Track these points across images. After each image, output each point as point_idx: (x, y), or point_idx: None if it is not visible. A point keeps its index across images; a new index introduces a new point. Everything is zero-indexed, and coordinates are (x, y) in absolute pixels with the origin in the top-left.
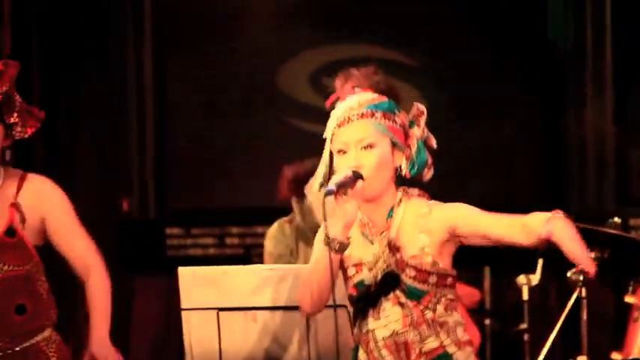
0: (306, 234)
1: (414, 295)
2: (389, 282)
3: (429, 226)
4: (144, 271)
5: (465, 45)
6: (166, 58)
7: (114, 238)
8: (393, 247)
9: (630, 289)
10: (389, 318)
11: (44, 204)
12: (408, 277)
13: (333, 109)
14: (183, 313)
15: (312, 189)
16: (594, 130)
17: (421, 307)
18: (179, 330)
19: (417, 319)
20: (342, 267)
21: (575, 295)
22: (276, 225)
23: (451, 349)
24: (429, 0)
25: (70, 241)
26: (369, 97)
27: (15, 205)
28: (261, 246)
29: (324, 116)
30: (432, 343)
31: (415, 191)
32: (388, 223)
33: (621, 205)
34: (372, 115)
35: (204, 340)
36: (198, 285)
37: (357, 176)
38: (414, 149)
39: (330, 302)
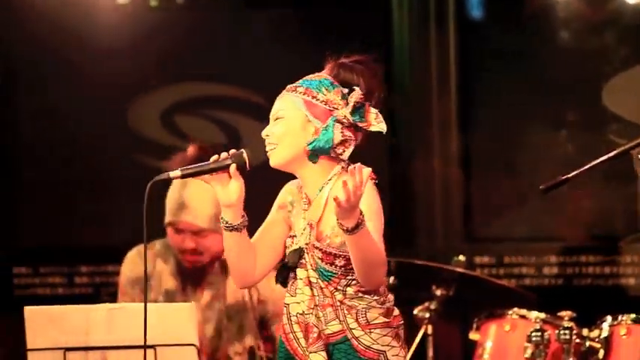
0: (167, 257)
1: (324, 276)
2: (296, 259)
3: None
4: None
5: None
6: (14, 90)
7: None
8: (310, 225)
9: (475, 325)
10: (300, 297)
11: None
12: (317, 258)
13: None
14: (29, 354)
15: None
16: (440, 172)
17: (331, 289)
18: None
19: (322, 302)
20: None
21: (421, 332)
22: (135, 250)
23: (357, 333)
24: (277, 40)
25: None
26: (311, 75)
27: None
28: (111, 284)
29: (174, 154)
30: (333, 327)
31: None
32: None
33: (467, 244)
34: (295, 89)
35: None
36: (44, 325)
37: (226, 164)
38: (323, 126)
39: (179, 341)
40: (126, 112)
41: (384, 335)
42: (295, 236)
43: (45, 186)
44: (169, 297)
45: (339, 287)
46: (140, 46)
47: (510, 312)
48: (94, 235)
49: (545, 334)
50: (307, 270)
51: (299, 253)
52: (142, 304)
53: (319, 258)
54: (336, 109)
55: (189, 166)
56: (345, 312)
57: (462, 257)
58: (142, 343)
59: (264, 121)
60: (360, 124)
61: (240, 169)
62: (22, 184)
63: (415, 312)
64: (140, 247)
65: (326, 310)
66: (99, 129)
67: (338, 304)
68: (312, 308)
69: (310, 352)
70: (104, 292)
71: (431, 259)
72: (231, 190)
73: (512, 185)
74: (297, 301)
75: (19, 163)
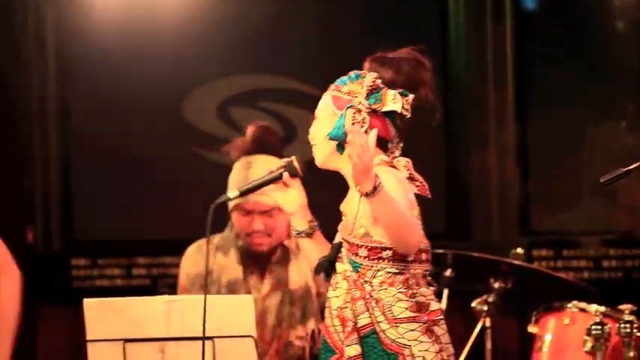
0: (227, 248)
1: (355, 268)
2: (334, 253)
3: None
4: (50, 302)
5: None
6: (70, 87)
7: (19, 270)
8: (343, 216)
9: (534, 318)
10: (339, 291)
11: None
12: (346, 249)
13: None
14: (89, 345)
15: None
16: (497, 164)
17: (361, 281)
18: None
19: (354, 295)
20: None
21: (479, 325)
22: (194, 245)
23: (384, 326)
24: (332, 32)
25: None
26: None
27: None
28: (169, 276)
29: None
30: (363, 320)
31: (402, 161)
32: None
33: (524, 237)
34: (329, 88)
35: None
36: (104, 316)
37: (279, 174)
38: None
39: (237, 332)
40: (181, 104)
41: (412, 330)
42: None
43: (102, 179)
44: (231, 288)
45: (366, 279)
46: (196, 38)
47: (570, 305)
48: (152, 227)
49: (606, 327)
50: (344, 263)
51: (338, 247)
52: (200, 295)
53: (347, 249)
54: (357, 97)
55: (245, 185)
56: (374, 305)
57: (520, 250)
58: (200, 335)
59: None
60: (375, 107)
61: (295, 176)
62: (80, 177)
63: (473, 304)
64: (200, 242)
65: (357, 304)
66: (155, 121)
67: (368, 296)
68: (349, 302)
69: (345, 346)
70: (161, 283)
71: (488, 251)
72: (290, 198)
73: (570, 177)
74: (337, 295)
75: (76, 156)
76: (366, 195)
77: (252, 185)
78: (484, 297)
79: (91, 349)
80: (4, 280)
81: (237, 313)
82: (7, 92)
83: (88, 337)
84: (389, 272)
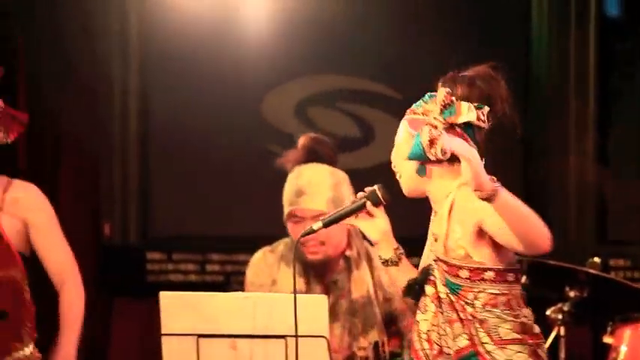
0: (290, 259)
1: (453, 290)
2: (424, 277)
3: (461, 217)
4: (124, 295)
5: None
6: (150, 85)
7: (95, 262)
8: (433, 239)
9: (609, 329)
10: (428, 314)
11: (28, 210)
12: (443, 271)
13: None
14: (164, 339)
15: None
16: (576, 171)
17: (461, 302)
18: (158, 355)
19: (450, 317)
20: None
21: (553, 334)
22: (260, 254)
23: (489, 347)
24: (411, 33)
25: (50, 250)
26: None
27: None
28: (242, 273)
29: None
30: (460, 342)
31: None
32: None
33: (601, 246)
34: (406, 114)
35: None
36: (179, 310)
37: (362, 203)
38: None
39: (310, 332)
40: (260, 103)
41: (519, 352)
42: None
43: (179, 175)
44: None
45: (467, 300)
46: (276, 38)
47: None
48: (227, 224)
49: None
50: (435, 286)
51: (427, 270)
52: (274, 293)
53: (445, 270)
54: (431, 113)
55: (328, 215)
56: (477, 326)
57: (596, 259)
58: (272, 333)
59: (399, 116)
60: (450, 120)
61: (378, 204)
62: (158, 173)
63: (548, 313)
64: (265, 250)
65: (453, 326)
66: (233, 119)
67: (470, 317)
68: (435, 325)
69: None
70: (234, 280)
71: (564, 259)
72: (374, 226)
73: None
74: (425, 318)
75: (154, 152)
76: (488, 199)
77: (336, 216)
78: (559, 305)
79: (165, 343)
80: (69, 287)
81: (310, 313)
82: (92, 90)
83: (163, 331)
84: (491, 293)
